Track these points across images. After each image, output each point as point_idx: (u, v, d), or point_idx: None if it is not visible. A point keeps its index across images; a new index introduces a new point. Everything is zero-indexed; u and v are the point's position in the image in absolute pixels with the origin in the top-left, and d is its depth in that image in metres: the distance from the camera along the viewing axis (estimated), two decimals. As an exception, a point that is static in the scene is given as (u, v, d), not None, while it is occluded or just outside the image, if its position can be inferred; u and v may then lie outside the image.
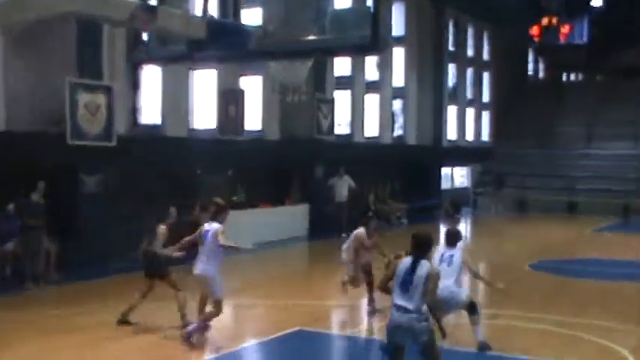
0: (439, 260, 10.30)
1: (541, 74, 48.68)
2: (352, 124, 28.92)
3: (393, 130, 32.18)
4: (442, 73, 34.59)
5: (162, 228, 11.49)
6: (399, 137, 32.59)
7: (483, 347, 10.33)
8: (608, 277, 16.92)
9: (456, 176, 37.81)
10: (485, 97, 40.60)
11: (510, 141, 38.89)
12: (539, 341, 11.05)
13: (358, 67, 28.75)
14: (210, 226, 10.58)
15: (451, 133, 36.57)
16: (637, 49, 42.49)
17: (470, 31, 38.35)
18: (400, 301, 7.51)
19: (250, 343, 11.46)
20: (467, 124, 38.59)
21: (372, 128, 30.44)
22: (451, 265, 10.37)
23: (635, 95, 38.35)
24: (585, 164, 36.08)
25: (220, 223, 10.48)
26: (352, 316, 13.18)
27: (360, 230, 12.97)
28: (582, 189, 34.50)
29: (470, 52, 38.52)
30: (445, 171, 35.73)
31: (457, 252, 10.55)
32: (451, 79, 36.63)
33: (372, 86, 30.11)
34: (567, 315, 12.37)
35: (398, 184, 29.62)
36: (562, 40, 38.27)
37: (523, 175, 35.46)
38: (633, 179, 33.77)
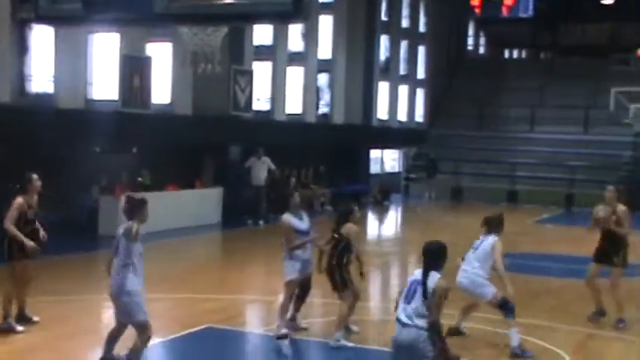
0: (471, 246, 10.97)
1: (482, 50, 49.32)
2: (273, 99, 28.88)
3: (318, 107, 32.24)
4: (373, 46, 34.70)
5: (18, 200, 11.07)
6: (325, 115, 32.67)
7: (515, 354, 10.42)
8: (550, 272, 17.34)
9: (387, 160, 38.12)
10: (421, 74, 40.93)
11: (446, 123, 39.35)
12: (473, 342, 11.20)
13: (280, 37, 28.72)
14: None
15: (382, 113, 36.81)
16: (587, 25, 43.42)
17: (404, 1, 38.62)
18: (402, 315, 7.47)
19: (152, 343, 11.35)
20: (399, 102, 38.87)
21: (295, 105, 30.45)
22: (476, 252, 10.82)
23: (583, 75, 39.20)
24: (527, 150, 36.72)
25: (141, 221, 9.34)
26: (269, 312, 13.11)
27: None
28: (524, 176, 35.19)
29: (405, 23, 38.78)
30: (375, 154, 35.95)
31: (489, 239, 10.82)
32: (383, 53, 36.82)
33: (295, 58, 30.09)
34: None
35: (322, 167, 29.75)
36: (505, 12, 38.87)
37: (459, 161, 35.87)
38: (579, 167, 34.54)
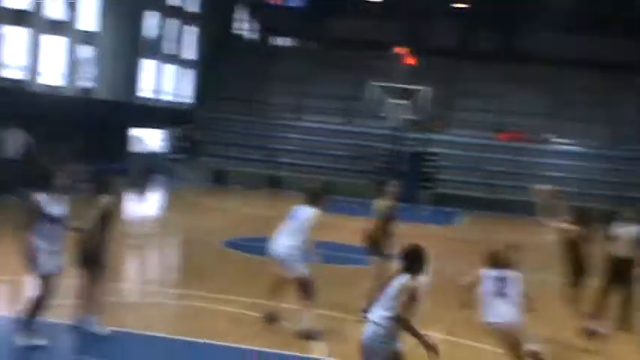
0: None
1: (252, 35, 49.08)
2: (28, 68, 27.27)
3: (76, 80, 30.66)
4: (139, 21, 33.99)
5: None
6: (85, 89, 31.16)
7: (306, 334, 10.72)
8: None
9: (150, 139, 36.90)
10: (189, 54, 40.27)
11: (214, 105, 38.81)
12: (227, 325, 11.17)
13: (38, 1, 27.23)
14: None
15: (147, 91, 35.86)
16: (350, 20, 44.27)
17: (176, -23, 37.75)
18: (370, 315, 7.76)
19: None
20: (165, 81, 38.06)
21: (53, 76, 28.93)
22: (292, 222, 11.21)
23: (348, 68, 39.70)
24: (293, 137, 36.89)
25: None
26: (13, 293, 12.18)
27: None
28: (287, 163, 35.20)
29: (175, 1, 38.03)
30: (137, 132, 34.75)
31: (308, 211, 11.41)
32: (151, 29, 35.88)
33: (55, 26, 28.61)
34: (262, 297, 12.01)
35: (80, 143, 28.14)
36: (276, 0, 38.79)
37: (225, 144, 35.70)
38: (340, 157, 34.95)
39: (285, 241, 11.06)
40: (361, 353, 7.63)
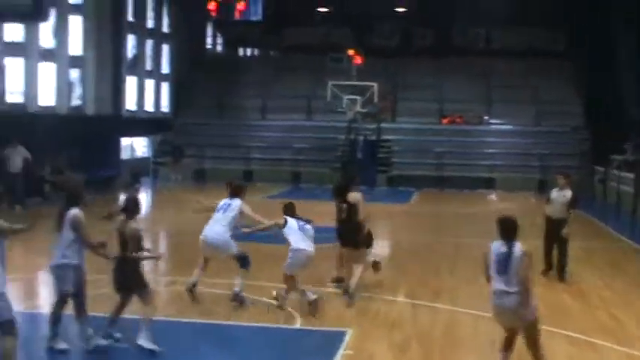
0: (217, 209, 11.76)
1: (219, 48, 49.59)
2: (26, 93, 27.60)
3: (70, 99, 31.03)
4: (121, 44, 34.05)
5: None
6: (77, 107, 31.49)
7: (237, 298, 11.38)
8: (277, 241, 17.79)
9: (137, 147, 37.50)
10: (165, 69, 40.50)
11: (189, 112, 39.30)
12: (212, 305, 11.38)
13: (31, 34, 27.44)
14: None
15: (131, 104, 36.08)
16: (304, 29, 45.09)
17: (150, 3, 38.04)
18: (500, 285, 7.94)
19: None
20: (146, 95, 38.25)
21: (48, 97, 29.21)
22: (225, 213, 11.59)
23: (305, 71, 40.51)
24: (260, 135, 37.54)
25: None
26: (27, 290, 12.60)
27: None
28: (257, 158, 35.93)
29: (150, 24, 38.22)
30: (125, 141, 35.24)
31: (235, 202, 11.67)
32: (131, 50, 36.13)
33: (47, 54, 28.89)
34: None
35: (76, 155, 28.67)
36: (238, 16, 39.34)
37: (202, 146, 36.04)
38: (303, 149, 35.75)
39: (218, 229, 11.38)
40: None
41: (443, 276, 14.70)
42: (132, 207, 9.35)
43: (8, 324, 7.60)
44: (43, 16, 7.62)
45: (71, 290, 8.98)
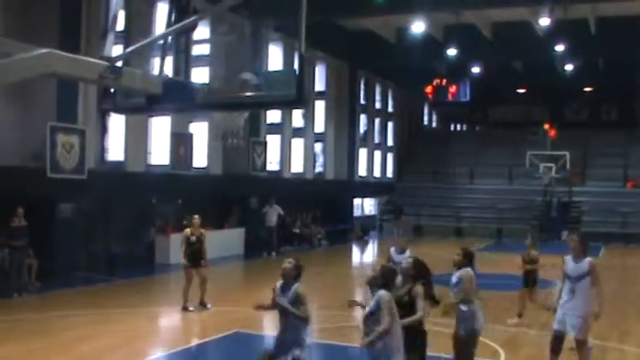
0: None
1: (434, 124, 49.95)
2: (281, 162, 29.02)
3: (314, 167, 32.43)
4: (355, 122, 35.14)
5: (186, 231, 13.69)
6: (320, 173, 32.87)
7: None
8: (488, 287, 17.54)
9: (366, 206, 38.38)
10: (390, 142, 41.25)
11: (409, 178, 39.78)
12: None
13: (286, 117, 28.99)
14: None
15: (362, 171, 37.04)
16: (506, 107, 44.55)
17: (377, 89, 39.14)
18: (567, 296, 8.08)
19: (192, 344, 11.40)
20: (375, 163, 39.12)
21: (297, 166, 30.54)
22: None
23: (507, 142, 39.81)
24: (469, 197, 37.14)
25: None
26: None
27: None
28: (466, 216, 35.53)
29: (378, 105, 39.21)
30: (357, 201, 36.20)
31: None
32: (362, 127, 37.16)
33: (297, 132, 30.32)
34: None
35: (318, 212, 29.99)
36: (450, 97, 39.37)
37: (419, 205, 36.10)
38: (505, 209, 34.95)
39: None
40: None
41: (629, 319, 13.82)
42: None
43: None
44: (303, 104, 8.34)
45: None
